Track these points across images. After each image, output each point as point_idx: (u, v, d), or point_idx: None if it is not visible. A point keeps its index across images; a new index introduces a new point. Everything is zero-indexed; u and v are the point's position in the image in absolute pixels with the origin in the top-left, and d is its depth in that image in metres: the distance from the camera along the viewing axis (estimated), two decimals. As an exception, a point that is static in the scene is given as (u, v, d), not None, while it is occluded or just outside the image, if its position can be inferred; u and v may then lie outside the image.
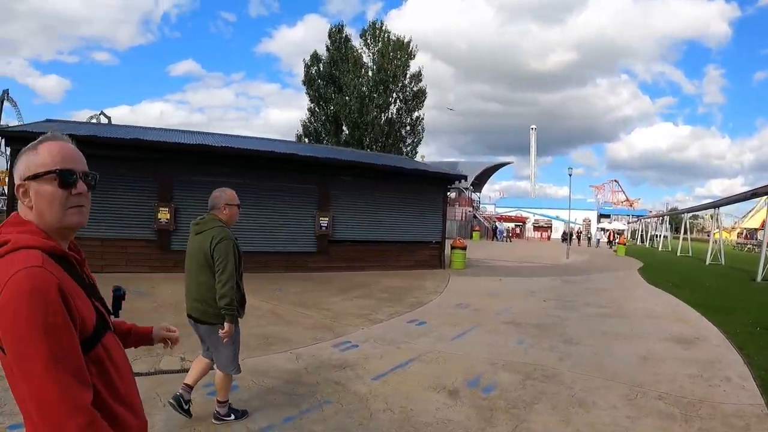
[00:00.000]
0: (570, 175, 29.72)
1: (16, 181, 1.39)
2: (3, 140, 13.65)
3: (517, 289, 12.85)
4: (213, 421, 4.10)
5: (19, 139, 13.24)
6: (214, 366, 4.08)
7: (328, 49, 37.90)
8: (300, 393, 4.87)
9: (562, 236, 35.10)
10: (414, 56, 38.03)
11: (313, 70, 37.67)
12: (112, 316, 1.55)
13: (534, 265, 21.37)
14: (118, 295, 1.71)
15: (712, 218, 31.59)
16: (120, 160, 12.25)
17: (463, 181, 18.13)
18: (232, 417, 4.13)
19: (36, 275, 1.22)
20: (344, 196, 15.37)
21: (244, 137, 18.94)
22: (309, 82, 37.59)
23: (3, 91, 40.64)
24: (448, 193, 49.73)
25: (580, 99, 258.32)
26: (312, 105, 37.97)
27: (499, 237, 46.75)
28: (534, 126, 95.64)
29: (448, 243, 17.51)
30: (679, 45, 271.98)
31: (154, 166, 12.90)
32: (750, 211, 61.47)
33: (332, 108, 36.71)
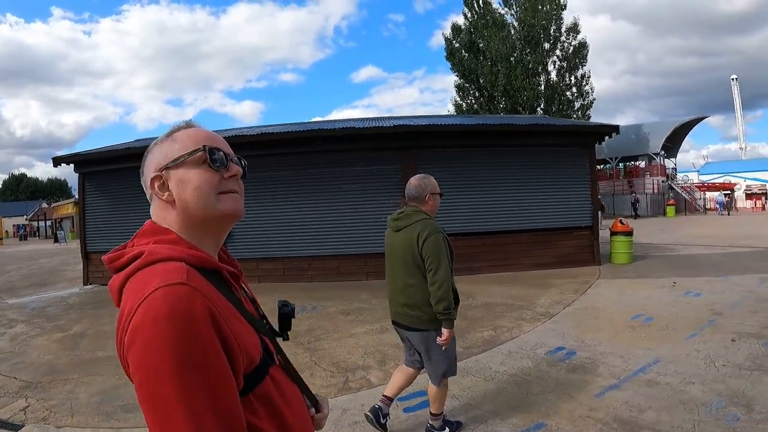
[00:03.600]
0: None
1: (149, 176, 1.14)
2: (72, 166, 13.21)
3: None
4: None
5: (84, 162, 13.07)
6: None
7: (465, 17, 33.70)
8: None
9: None
10: (565, 6, 32.40)
11: (456, 43, 33.71)
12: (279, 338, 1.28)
13: (739, 251, 14.03)
14: (286, 312, 1.31)
15: None
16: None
17: (614, 134, 12.48)
18: (447, 430, 3.75)
19: (177, 295, 0.91)
20: (439, 173, 11.02)
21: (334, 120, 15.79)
22: (452, 56, 33.65)
23: (185, 122, 46.98)
24: (637, 162, 42.64)
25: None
26: (460, 81, 33.96)
27: (719, 210, 38.56)
28: (735, 76, 74.55)
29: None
30: None
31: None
32: None
33: (481, 80, 32.28)
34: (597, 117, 33.68)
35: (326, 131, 11.41)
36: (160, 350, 0.87)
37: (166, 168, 1.12)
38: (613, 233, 12.20)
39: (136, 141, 15.91)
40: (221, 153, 1.15)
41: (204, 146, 1.12)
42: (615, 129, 12.23)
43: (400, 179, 10.91)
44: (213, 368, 0.91)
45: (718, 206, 39.70)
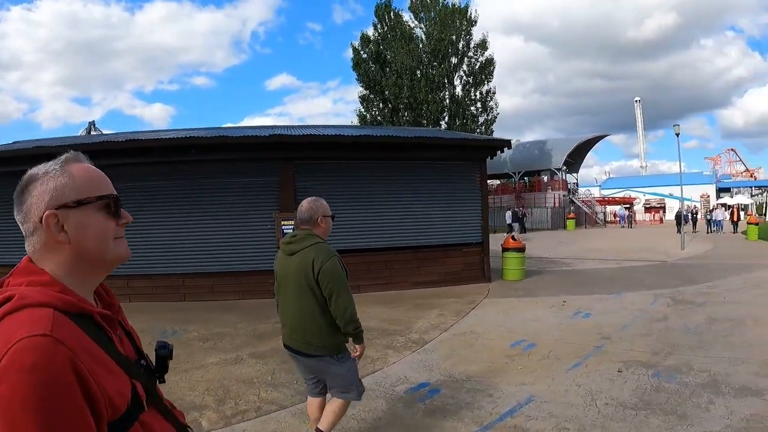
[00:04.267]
0: (678, 135, 21.48)
1: (40, 211, 1.03)
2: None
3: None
4: None
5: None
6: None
7: (375, 27, 33.41)
8: None
9: (675, 218, 28.03)
10: (475, 23, 33.04)
11: (363, 53, 33.31)
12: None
13: (634, 264, 14.38)
14: (163, 354, 1.26)
15: None
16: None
17: (506, 149, 12.21)
18: None
19: (40, 347, 0.88)
20: (319, 186, 10.16)
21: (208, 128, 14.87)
22: (358, 66, 33.14)
23: (89, 123, 42.06)
24: (541, 176, 43.89)
25: (685, 65, 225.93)
26: (365, 92, 33.52)
27: (621, 222, 40.84)
28: (638, 98, 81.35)
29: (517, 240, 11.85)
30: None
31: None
32: None
33: (386, 92, 32.09)
34: (506, 133, 35.03)
35: (199, 139, 10.38)
36: (21, 401, 0.84)
37: (65, 207, 1.05)
38: (504, 249, 11.90)
39: (13, 143, 14.19)
40: (119, 200, 1.14)
41: (111, 194, 1.12)
42: (506, 143, 11.95)
43: (277, 191, 10.12)
44: (72, 419, 0.88)
45: (619, 219, 41.73)
